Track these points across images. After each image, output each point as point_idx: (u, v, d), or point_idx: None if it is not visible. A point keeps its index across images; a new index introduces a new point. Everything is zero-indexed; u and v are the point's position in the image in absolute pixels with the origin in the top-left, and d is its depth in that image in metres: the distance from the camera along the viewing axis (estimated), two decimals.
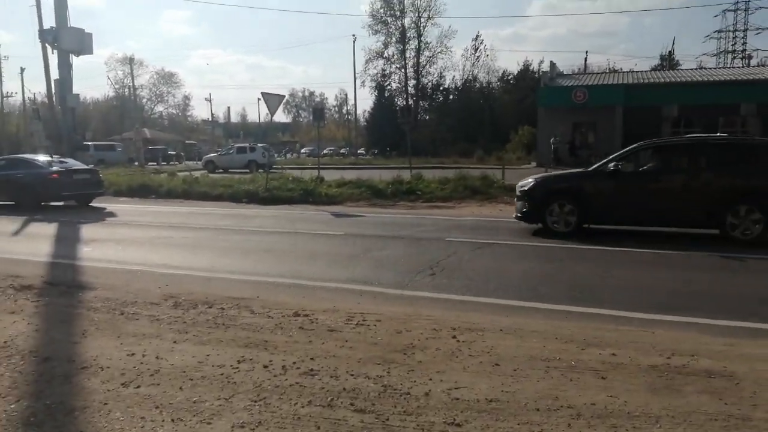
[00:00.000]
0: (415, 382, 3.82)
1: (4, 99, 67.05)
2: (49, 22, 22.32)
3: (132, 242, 10.25)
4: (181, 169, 32.13)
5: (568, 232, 9.90)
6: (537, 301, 6.03)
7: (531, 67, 59.31)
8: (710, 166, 9.44)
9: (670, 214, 9.59)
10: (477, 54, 63.15)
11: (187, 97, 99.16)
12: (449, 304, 5.96)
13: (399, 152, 47.70)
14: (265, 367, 4.12)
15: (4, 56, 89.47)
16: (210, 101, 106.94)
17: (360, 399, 3.57)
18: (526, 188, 10.54)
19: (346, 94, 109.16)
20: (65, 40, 20.89)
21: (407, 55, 63.75)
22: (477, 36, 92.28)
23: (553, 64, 37.95)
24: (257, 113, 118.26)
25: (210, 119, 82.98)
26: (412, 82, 64.27)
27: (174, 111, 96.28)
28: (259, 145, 38.89)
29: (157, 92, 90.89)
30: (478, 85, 63.25)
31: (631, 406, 3.42)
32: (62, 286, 6.69)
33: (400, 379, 3.86)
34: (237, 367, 4.12)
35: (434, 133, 53.98)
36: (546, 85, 34.79)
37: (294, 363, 4.19)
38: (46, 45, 22.83)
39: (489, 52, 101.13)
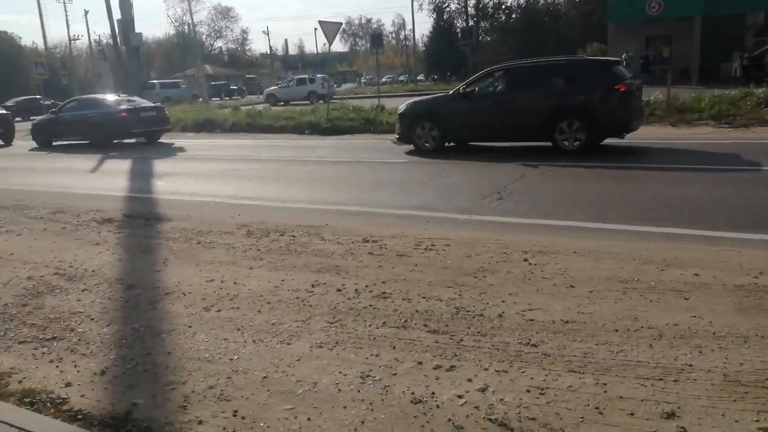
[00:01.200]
0: (487, 304, 3.80)
1: (72, 42, 69.26)
2: None
3: (202, 175, 10.53)
4: (243, 103, 32.42)
5: (433, 149, 11.16)
6: (609, 223, 5.82)
7: None
8: (543, 86, 10.37)
9: (512, 130, 10.66)
10: None
11: (244, 32, 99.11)
12: (518, 227, 5.85)
13: (459, 77, 46.17)
14: (339, 290, 4.20)
15: None
16: (267, 34, 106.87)
17: (433, 320, 3.59)
18: (399, 112, 11.90)
19: (403, 20, 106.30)
20: None
21: None
22: None
23: None
24: (314, 44, 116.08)
25: (268, 53, 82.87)
26: (472, 2, 61.52)
27: (233, 46, 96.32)
28: (318, 75, 38.75)
29: (216, 28, 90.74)
30: (541, 1, 60.02)
31: (716, 326, 3.29)
32: (140, 219, 6.98)
33: (473, 302, 3.85)
34: (312, 291, 4.21)
35: (496, 54, 51.93)
36: None
37: (366, 287, 4.24)
38: None
39: None
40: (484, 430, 2.48)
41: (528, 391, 2.75)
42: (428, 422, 2.56)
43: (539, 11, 58.41)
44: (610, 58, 11.27)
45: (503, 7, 60.78)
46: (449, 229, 5.83)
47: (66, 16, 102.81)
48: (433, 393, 2.78)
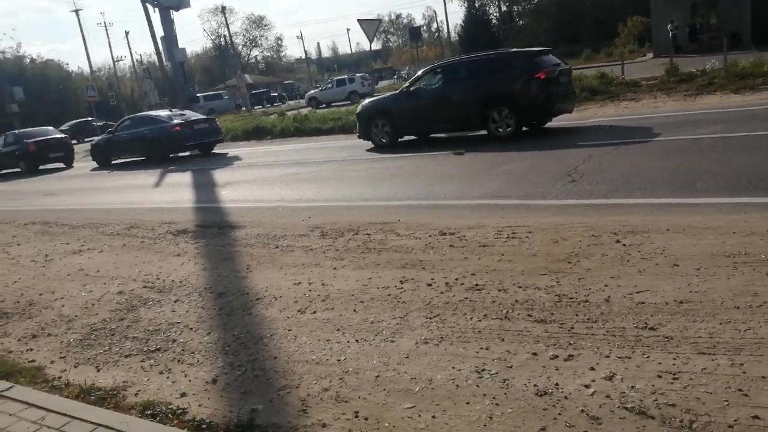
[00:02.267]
0: (590, 289, 3.67)
1: (116, 63, 71.53)
2: None
3: (263, 181, 10.64)
4: (286, 108, 32.79)
5: (389, 144, 12.17)
6: (695, 196, 5.58)
7: None
8: (476, 79, 11.19)
9: (454, 122, 11.51)
10: None
11: (278, 39, 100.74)
12: (599, 208, 5.66)
13: None
14: (429, 285, 4.13)
15: (109, 23, 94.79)
16: (301, 39, 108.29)
17: (536, 310, 3.49)
18: (356, 112, 13.23)
19: (434, 12, 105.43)
20: None
21: None
22: None
23: None
24: (347, 44, 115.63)
25: (303, 57, 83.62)
26: None
27: (268, 54, 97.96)
28: (356, 75, 38.92)
29: (251, 37, 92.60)
30: None
31: None
32: (213, 228, 7.08)
33: (573, 288, 3.72)
34: (401, 287, 4.16)
35: (531, 38, 50.98)
36: None
37: (456, 279, 4.16)
38: (147, 4, 23.52)
39: None
40: (623, 420, 2.37)
41: (659, 376, 2.62)
42: (560, 414, 2.46)
43: None
44: (534, 49, 11.90)
45: None
46: (527, 216, 5.70)
47: (108, 39, 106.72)
48: (556, 384, 2.68)
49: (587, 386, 2.63)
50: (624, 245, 4.38)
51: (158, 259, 5.92)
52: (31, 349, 4.02)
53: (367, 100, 13.62)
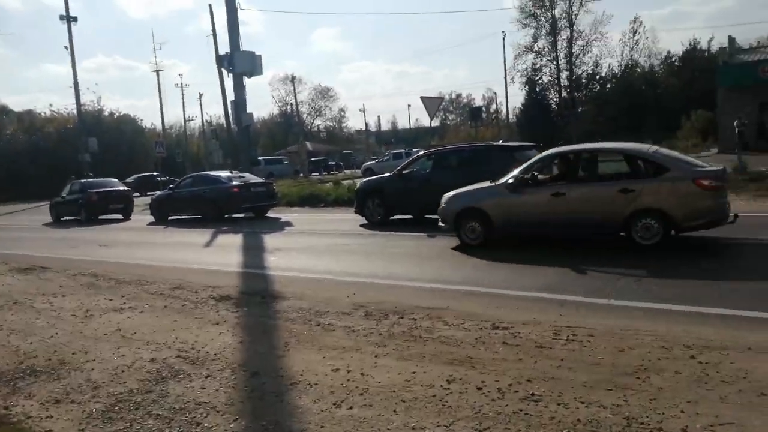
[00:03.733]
0: (663, 414, 3.23)
1: (187, 123, 74.90)
2: (224, 48, 24.17)
3: (312, 250, 10.51)
4: (342, 177, 33.22)
5: (381, 222, 12.84)
6: None
7: (699, 46, 53.97)
8: (462, 168, 11.64)
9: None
10: (636, 38, 58.84)
11: (342, 110, 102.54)
12: (668, 315, 5.18)
13: (552, 148, 45.07)
14: (479, 388, 3.76)
15: (186, 84, 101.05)
16: (363, 112, 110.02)
17: None
18: (355, 189, 14.18)
19: (494, 93, 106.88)
20: (239, 63, 22.62)
21: (558, 46, 60.71)
22: (635, 18, 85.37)
23: (732, 39, 33.85)
24: (407, 119, 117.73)
25: (363, 129, 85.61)
26: (564, 74, 61.11)
27: (331, 123, 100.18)
28: (414, 149, 39.34)
29: (315, 107, 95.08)
30: (639, 70, 58.83)
31: None
32: (257, 296, 6.90)
33: (644, 410, 3.29)
34: (448, 388, 3.80)
35: (592, 125, 50.89)
36: (726, 62, 31.14)
37: (510, 385, 3.78)
38: (222, 69, 24.73)
39: (649, 34, 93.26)
40: None
41: None
42: None
43: (636, 80, 57.18)
44: (516, 143, 12.75)
45: (598, 77, 60.11)
46: (587, 316, 5.27)
47: (182, 99, 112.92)
48: None
49: None
50: (699, 362, 3.92)
51: (197, 326, 5.73)
52: (51, 417, 3.81)
53: (364, 179, 14.80)
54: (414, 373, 4.11)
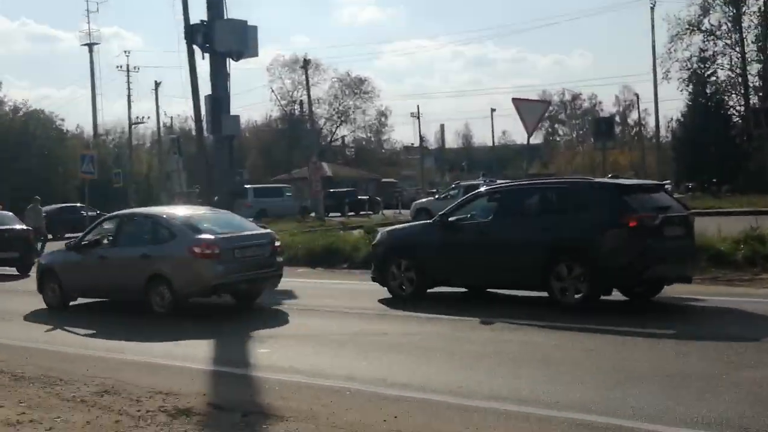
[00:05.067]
0: None
1: (133, 127, 51.63)
2: (198, 14, 14.15)
3: (326, 340, 7.52)
4: (380, 222, 23.77)
5: (412, 295, 9.40)
6: None
7: None
8: (541, 212, 9.14)
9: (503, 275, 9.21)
10: None
11: (382, 113, 67.29)
12: None
13: (735, 186, 32.09)
14: None
15: (135, 67, 51.86)
16: (418, 118, 59.56)
17: None
18: (373, 244, 10.92)
19: (636, 95, 60.08)
20: (221, 38, 13.63)
21: (745, 23, 39.70)
22: None
23: None
24: (488, 132, 71.44)
25: (416, 145, 59.00)
26: (755, 68, 40.01)
27: (363, 135, 70.18)
28: (498, 180, 22.80)
29: (340, 108, 65.47)
30: None
31: None
32: (235, 412, 4.48)
33: None
34: None
35: None
36: None
37: None
38: (194, 47, 14.58)
39: None
40: None
41: None
42: None
43: None
44: (627, 181, 10.20)
45: None
46: None
47: (128, 90, 53.82)
48: None
49: None
50: None
51: None
52: None
53: (388, 229, 11.53)
54: None
